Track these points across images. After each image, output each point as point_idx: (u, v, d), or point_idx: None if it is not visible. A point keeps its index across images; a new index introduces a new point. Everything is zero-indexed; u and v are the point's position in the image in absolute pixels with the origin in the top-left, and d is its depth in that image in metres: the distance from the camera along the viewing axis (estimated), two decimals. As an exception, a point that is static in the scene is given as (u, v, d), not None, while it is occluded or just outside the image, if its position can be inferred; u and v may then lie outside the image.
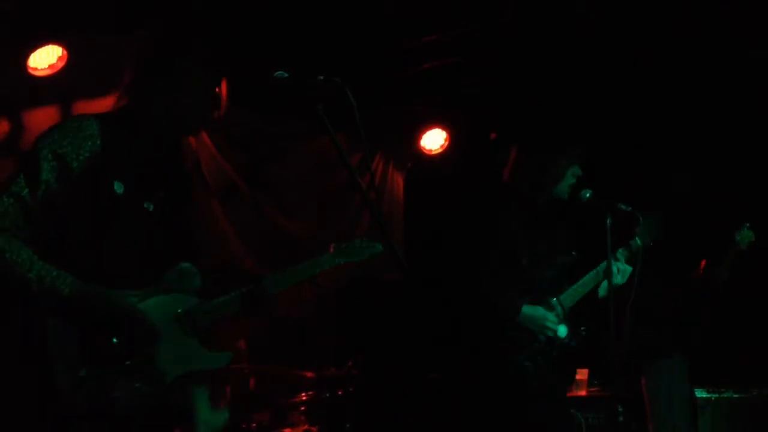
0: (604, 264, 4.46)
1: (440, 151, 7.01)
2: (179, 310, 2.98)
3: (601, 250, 4.27)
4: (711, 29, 5.60)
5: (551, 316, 4.38)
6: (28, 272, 2.68)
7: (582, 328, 4.48)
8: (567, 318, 4.46)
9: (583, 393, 6.00)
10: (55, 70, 5.02)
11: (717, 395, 5.64)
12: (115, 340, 2.76)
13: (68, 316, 2.71)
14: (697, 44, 5.77)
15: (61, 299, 2.69)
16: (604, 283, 4.51)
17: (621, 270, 4.50)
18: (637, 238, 4.58)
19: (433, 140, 6.99)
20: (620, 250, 4.55)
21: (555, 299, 4.47)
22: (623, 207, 4.28)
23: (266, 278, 3.26)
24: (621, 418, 4.56)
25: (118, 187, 2.86)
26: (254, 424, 5.29)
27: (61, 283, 2.69)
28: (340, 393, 5.41)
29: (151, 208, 2.97)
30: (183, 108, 2.97)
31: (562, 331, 4.40)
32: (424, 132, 6.95)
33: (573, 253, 4.50)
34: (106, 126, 2.89)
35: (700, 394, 5.60)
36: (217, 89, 3.05)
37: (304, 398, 5.37)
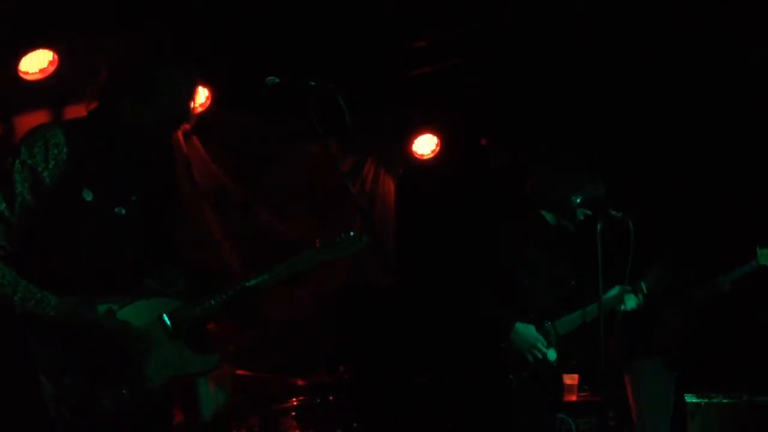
0: (607, 298, 4.47)
1: (431, 156, 7.01)
2: (163, 315, 2.97)
3: (608, 272, 4.26)
4: (711, 29, 5.61)
5: (542, 339, 4.41)
6: (13, 294, 2.68)
7: (574, 357, 4.51)
8: (559, 343, 4.48)
9: (573, 398, 6.00)
10: (46, 74, 5.01)
11: (707, 400, 5.64)
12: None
13: (53, 335, 2.70)
14: (697, 44, 5.78)
15: (45, 321, 2.69)
16: (630, 299, 4.56)
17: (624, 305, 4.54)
18: (643, 285, 4.60)
19: (425, 145, 6.99)
20: (627, 292, 4.57)
21: (549, 323, 4.49)
22: (614, 213, 4.29)
23: (250, 280, 3.25)
24: (612, 423, 4.58)
25: (87, 195, 2.85)
26: (245, 429, 5.28)
27: (45, 306, 2.70)
28: (331, 398, 5.41)
29: (123, 212, 2.95)
30: (151, 115, 2.95)
31: (552, 354, 4.43)
32: (415, 137, 6.96)
33: (572, 282, 4.52)
34: (73, 133, 2.88)
35: (689, 399, 5.60)
36: (190, 101, 3.04)
37: (295, 403, 5.37)
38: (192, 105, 3.07)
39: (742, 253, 5.41)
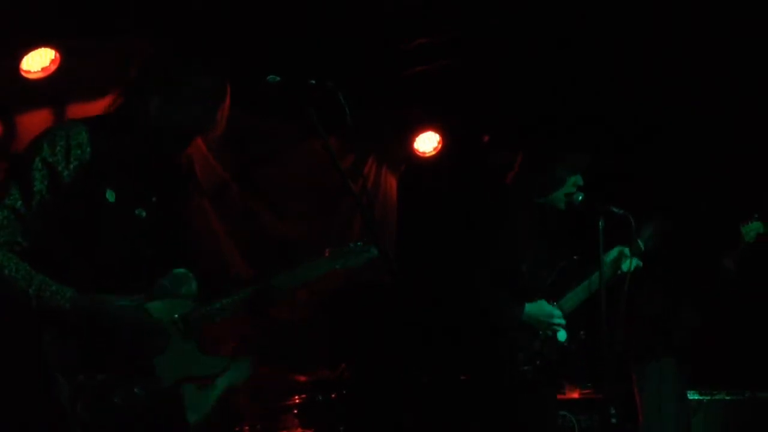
0: (609, 260, 4.48)
1: (433, 153, 7.02)
2: (176, 316, 2.97)
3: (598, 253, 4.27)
4: (710, 30, 5.61)
5: (557, 311, 4.39)
6: (28, 288, 2.68)
7: (582, 332, 4.49)
8: (566, 322, 4.47)
9: (575, 395, 6.01)
10: (48, 72, 5.01)
11: (709, 397, 5.64)
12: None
13: (68, 327, 2.70)
14: (694, 44, 5.79)
15: (61, 314, 2.69)
16: (627, 262, 4.54)
17: (627, 260, 4.52)
18: (640, 243, 4.59)
19: (427, 142, 6.99)
20: (625, 249, 4.56)
21: (554, 303, 4.48)
22: (615, 210, 4.29)
23: (275, 278, 3.24)
24: (614, 420, 4.57)
25: (110, 196, 2.84)
26: (247, 427, 5.29)
27: (60, 298, 2.69)
28: (333, 396, 5.41)
29: (144, 214, 2.95)
30: (178, 118, 2.94)
31: (562, 335, 4.42)
32: (417, 134, 6.96)
33: (574, 257, 4.51)
34: (96, 132, 2.86)
35: (692, 396, 5.60)
36: (218, 111, 3.02)
37: (297, 401, 5.38)
38: (220, 116, 3.04)
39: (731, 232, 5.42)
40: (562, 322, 4.38)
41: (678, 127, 6.37)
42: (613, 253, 4.52)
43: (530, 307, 4.35)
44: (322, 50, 5.53)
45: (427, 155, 7.02)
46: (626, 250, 4.57)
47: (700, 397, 5.64)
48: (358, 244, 3.56)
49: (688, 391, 5.60)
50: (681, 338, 5.41)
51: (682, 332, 5.42)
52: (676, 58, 5.93)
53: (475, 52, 6.08)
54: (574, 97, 6.34)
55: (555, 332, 4.36)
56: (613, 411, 4.49)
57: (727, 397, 5.68)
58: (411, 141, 6.97)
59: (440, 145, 7.00)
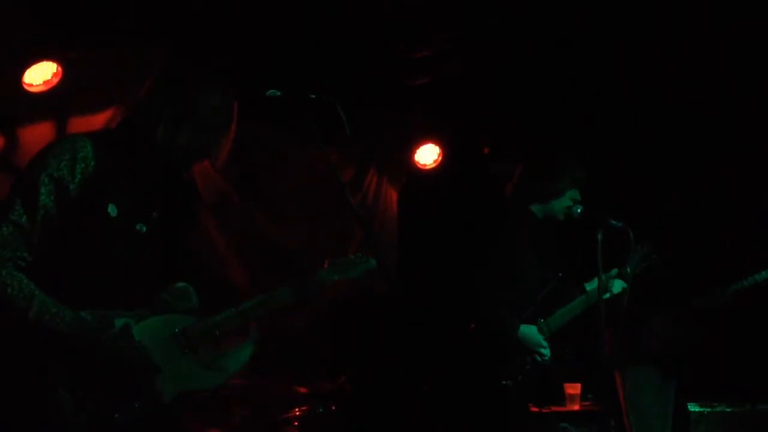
0: (592, 289, 4.51)
1: (434, 165, 7.04)
2: (176, 330, 2.98)
3: (592, 267, 4.28)
4: (710, 30, 5.63)
5: (544, 342, 4.44)
6: (28, 309, 2.68)
7: (566, 351, 4.53)
8: (551, 340, 4.52)
9: (576, 407, 6.01)
10: (50, 86, 5.03)
11: (710, 409, 5.64)
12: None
13: (68, 350, 2.72)
14: (695, 54, 5.80)
15: (58, 337, 2.70)
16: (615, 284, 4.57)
17: (610, 290, 4.56)
18: (628, 268, 4.62)
19: (427, 155, 7.01)
20: (612, 278, 4.59)
21: (542, 321, 4.51)
22: (614, 223, 4.31)
23: (260, 298, 3.22)
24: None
25: (112, 210, 2.84)
26: (248, 439, 5.29)
27: (59, 322, 2.70)
28: (334, 408, 5.41)
29: (144, 229, 2.95)
30: (186, 139, 2.94)
31: (546, 353, 4.46)
32: (417, 147, 6.98)
33: (560, 274, 4.55)
34: (101, 146, 2.86)
35: (692, 408, 5.60)
36: (226, 136, 3.04)
37: (298, 413, 5.38)
38: (226, 142, 3.05)
39: (740, 262, 5.39)
40: (547, 353, 4.43)
41: (678, 128, 6.36)
42: (592, 290, 4.55)
43: (524, 328, 4.40)
44: (322, 62, 5.55)
45: (428, 167, 7.04)
46: (612, 274, 4.60)
47: (701, 410, 5.62)
48: (358, 255, 3.57)
49: (689, 404, 5.60)
50: (654, 347, 5.35)
51: (654, 342, 5.36)
52: (676, 58, 5.94)
53: (475, 59, 6.09)
54: (574, 99, 6.35)
55: (536, 359, 4.41)
56: (612, 422, 4.51)
57: (728, 410, 5.67)
58: (411, 153, 6.99)
59: (441, 158, 7.02)
